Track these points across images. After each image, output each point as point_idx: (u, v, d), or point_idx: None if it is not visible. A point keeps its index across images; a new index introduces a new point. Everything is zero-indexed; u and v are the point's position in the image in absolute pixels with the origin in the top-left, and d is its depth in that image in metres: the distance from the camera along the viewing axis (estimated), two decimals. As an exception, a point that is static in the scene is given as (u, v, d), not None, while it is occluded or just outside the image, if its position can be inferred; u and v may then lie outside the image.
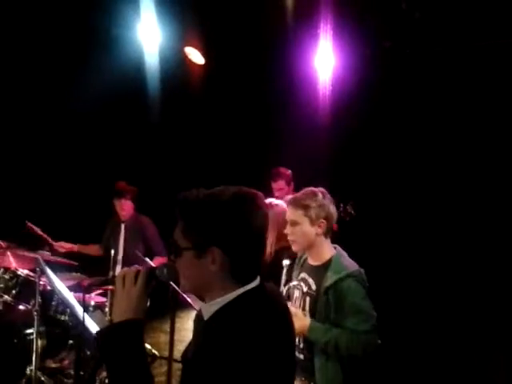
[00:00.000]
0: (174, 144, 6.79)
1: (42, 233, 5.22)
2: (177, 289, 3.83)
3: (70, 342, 4.62)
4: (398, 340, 4.56)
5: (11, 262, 4.63)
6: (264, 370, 1.49)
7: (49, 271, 3.73)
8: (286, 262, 3.12)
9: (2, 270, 4.62)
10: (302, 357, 2.89)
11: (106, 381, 4.21)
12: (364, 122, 5.89)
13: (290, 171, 5.25)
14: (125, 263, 5.31)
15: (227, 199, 1.60)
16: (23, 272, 4.62)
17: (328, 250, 2.91)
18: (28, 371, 4.25)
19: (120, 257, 5.35)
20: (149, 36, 5.76)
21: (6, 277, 4.59)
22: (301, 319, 2.79)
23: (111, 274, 4.97)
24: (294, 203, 2.91)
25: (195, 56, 5.92)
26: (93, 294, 4.82)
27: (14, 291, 4.56)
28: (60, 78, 6.07)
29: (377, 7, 4.99)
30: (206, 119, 6.74)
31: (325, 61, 5.54)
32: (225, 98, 6.50)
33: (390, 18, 5.03)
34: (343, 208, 4.78)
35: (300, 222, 2.88)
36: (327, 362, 2.76)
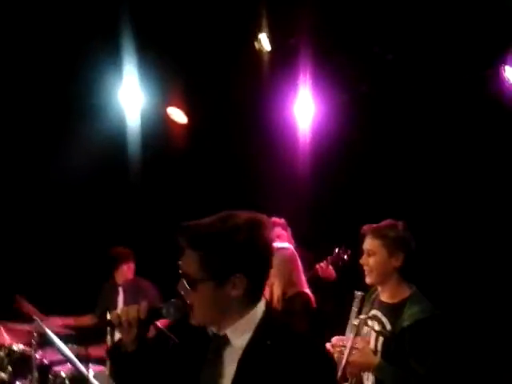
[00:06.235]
0: (160, 204, 6.74)
1: (31, 308, 5.04)
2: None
3: (71, 416, 4.41)
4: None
5: (5, 338, 4.49)
6: None
7: (48, 331, 3.64)
8: (358, 293, 2.94)
9: (-4, 347, 4.46)
10: None
11: None
12: (346, 168, 5.94)
13: (283, 219, 5.20)
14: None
15: (244, 224, 1.60)
16: (19, 347, 4.47)
17: (405, 287, 2.77)
18: None
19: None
20: (131, 100, 5.81)
21: (1, 354, 4.43)
22: (367, 355, 2.66)
23: (109, 339, 4.78)
24: (372, 233, 2.79)
25: (178, 115, 5.98)
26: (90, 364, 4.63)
27: (9, 368, 4.40)
28: (41, 148, 6.05)
29: (351, 52, 5.13)
30: (189, 177, 6.74)
31: (304, 108, 5.65)
32: (208, 154, 6.53)
33: (364, 61, 5.18)
34: (338, 252, 4.77)
35: (377, 252, 2.75)
36: None
